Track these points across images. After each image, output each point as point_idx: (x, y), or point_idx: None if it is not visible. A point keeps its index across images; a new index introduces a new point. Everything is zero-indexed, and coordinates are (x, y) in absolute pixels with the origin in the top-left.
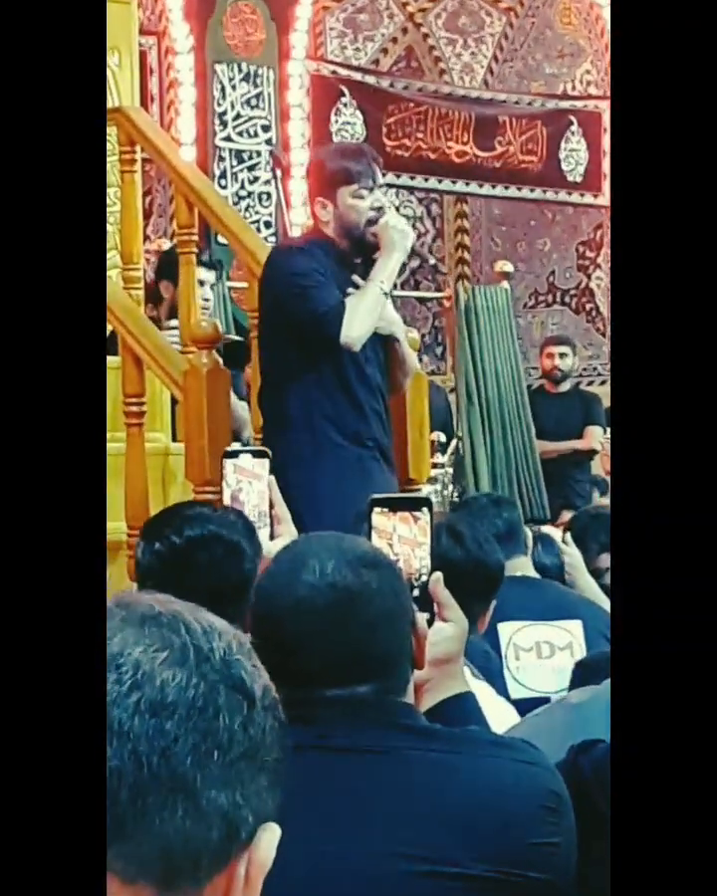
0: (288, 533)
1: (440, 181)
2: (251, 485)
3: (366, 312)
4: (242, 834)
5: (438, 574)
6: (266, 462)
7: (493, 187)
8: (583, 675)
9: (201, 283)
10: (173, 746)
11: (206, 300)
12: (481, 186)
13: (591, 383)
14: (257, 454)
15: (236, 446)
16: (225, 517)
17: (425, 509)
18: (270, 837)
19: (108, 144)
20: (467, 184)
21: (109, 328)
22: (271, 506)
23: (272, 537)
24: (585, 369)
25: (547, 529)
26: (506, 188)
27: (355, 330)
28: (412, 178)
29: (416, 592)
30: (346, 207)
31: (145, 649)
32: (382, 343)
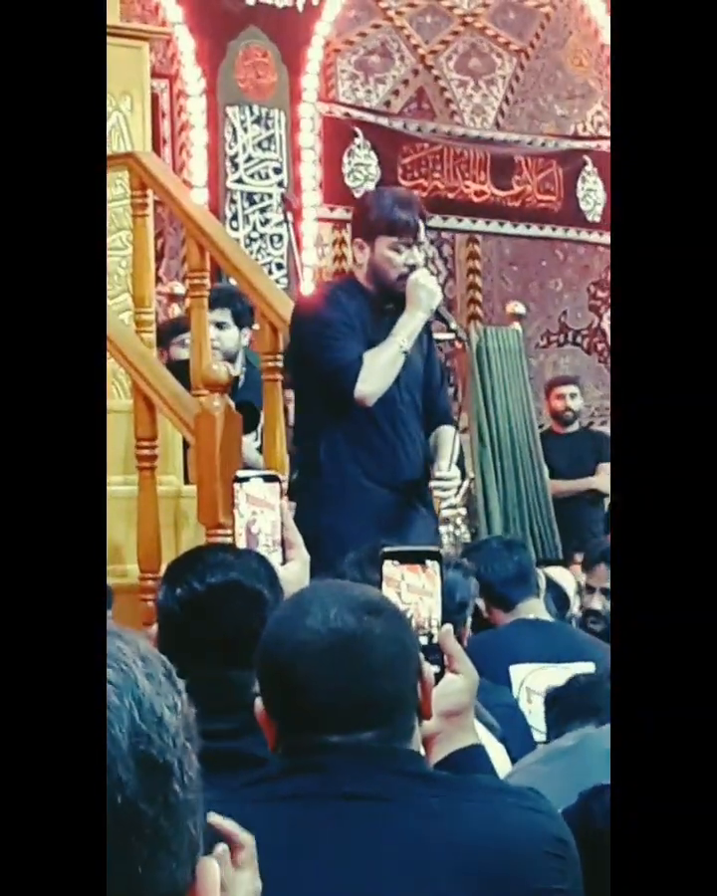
0: (299, 557)
1: (460, 220)
2: (264, 515)
3: (382, 368)
4: (181, 885)
5: (448, 626)
6: (277, 486)
7: (514, 226)
8: (558, 711)
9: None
10: (112, 867)
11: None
12: (502, 225)
13: (604, 423)
14: (268, 479)
15: (246, 471)
16: (247, 564)
17: (434, 561)
18: (211, 876)
19: (121, 189)
20: (487, 223)
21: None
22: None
23: (283, 562)
24: (597, 409)
25: (557, 570)
26: (527, 227)
27: (369, 385)
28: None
29: (425, 642)
30: (381, 257)
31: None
32: (419, 387)
